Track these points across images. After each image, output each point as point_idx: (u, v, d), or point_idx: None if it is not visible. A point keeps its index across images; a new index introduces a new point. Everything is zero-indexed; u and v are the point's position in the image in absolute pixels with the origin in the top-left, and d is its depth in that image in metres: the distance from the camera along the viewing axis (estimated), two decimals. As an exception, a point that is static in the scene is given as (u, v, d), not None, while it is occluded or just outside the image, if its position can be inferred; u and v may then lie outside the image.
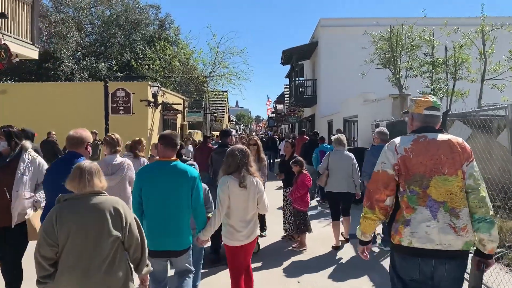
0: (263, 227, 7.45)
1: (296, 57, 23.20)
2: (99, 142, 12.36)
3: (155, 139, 17.10)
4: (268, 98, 49.17)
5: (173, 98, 19.42)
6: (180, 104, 18.98)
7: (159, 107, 17.35)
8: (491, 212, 2.56)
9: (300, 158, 6.72)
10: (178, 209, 3.57)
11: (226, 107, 44.39)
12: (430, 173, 2.54)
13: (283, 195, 7.12)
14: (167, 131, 3.86)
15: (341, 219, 6.82)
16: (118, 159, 4.93)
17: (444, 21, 11.07)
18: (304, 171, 6.58)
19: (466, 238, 2.51)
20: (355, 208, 7.53)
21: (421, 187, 2.53)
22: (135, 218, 2.81)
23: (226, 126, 45.44)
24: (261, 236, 7.28)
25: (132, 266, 2.84)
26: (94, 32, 29.92)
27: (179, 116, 20.48)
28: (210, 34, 65.99)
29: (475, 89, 10.82)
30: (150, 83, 16.00)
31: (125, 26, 28.89)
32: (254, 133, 42.12)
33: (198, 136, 24.79)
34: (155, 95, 15.76)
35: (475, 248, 2.60)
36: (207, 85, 28.50)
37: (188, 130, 22.45)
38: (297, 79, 24.60)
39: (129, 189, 4.86)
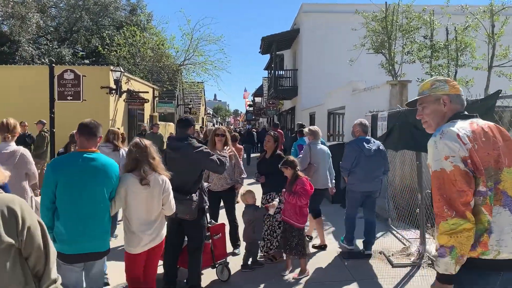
0: (236, 242, 5.93)
1: (277, 46, 21.66)
2: (46, 134, 10.61)
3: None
4: (246, 91, 47.44)
5: (140, 86, 17.60)
6: (148, 92, 17.15)
7: (124, 96, 15.57)
8: None
9: (292, 158, 5.21)
10: (95, 208, 3.22)
11: (202, 99, 42.58)
12: (497, 164, 2.08)
13: (262, 203, 5.58)
14: (87, 119, 3.43)
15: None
16: (11, 147, 4.46)
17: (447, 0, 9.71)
18: (300, 174, 5.07)
19: None
20: (336, 214, 6.06)
21: (493, 183, 2.06)
22: (39, 221, 2.24)
23: (202, 119, 43.74)
24: (233, 254, 5.75)
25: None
26: (59, 15, 27.61)
27: (148, 106, 18.68)
28: (183, 19, 62.93)
29: (480, 77, 9.51)
30: (112, 67, 14.18)
31: (93, 10, 26.73)
32: (232, 127, 40.72)
33: (171, 128, 23.06)
34: (117, 81, 13.98)
35: None
36: (181, 74, 26.69)
37: (156, 122, 20.68)
38: (277, 70, 23.11)
39: (25, 184, 4.46)
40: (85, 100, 12.05)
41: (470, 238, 2.02)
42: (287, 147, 13.67)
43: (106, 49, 23.73)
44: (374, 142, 5.78)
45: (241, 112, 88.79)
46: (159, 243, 3.62)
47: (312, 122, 17.42)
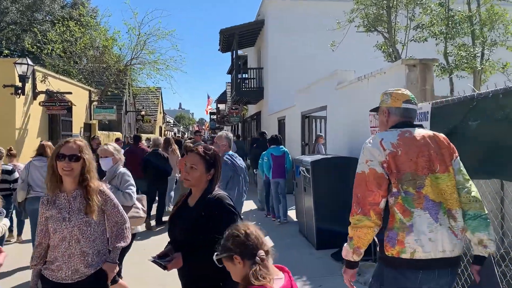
0: None
1: (239, 42, 18.49)
2: None
3: (33, 141, 11.73)
4: (209, 97, 44.01)
5: (68, 86, 14.01)
6: (71, 93, 13.48)
7: (41, 97, 11.99)
8: (486, 209, 2.35)
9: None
10: None
11: (160, 106, 38.82)
12: (422, 171, 2.27)
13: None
14: None
15: None
16: None
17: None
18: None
19: (463, 242, 2.33)
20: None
21: (414, 188, 2.25)
22: None
23: (160, 127, 39.99)
24: None
25: None
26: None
27: (82, 112, 15.06)
28: (129, 12, 58.23)
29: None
30: (18, 59, 10.63)
31: (24, 2, 22.85)
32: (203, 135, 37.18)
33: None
34: (23, 77, 10.46)
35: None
36: (130, 76, 23.12)
37: (95, 134, 17.10)
38: (239, 70, 19.99)
39: None
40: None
41: (368, 235, 2.26)
42: (252, 159, 11.35)
43: (36, 46, 19.95)
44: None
45: (205, 121, 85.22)
46: None
47: (281, 129, 14.35)
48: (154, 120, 33.21)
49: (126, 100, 24.39)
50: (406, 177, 2.24)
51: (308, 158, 6.91)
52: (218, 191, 2.45)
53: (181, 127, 69.78)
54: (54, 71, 19.59)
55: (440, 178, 2.27)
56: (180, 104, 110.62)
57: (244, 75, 21.74)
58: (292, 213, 8.81)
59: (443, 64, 6.95)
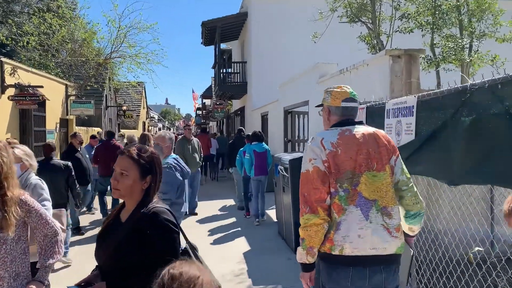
0: None
1: (221, 35, 17.97)
2: None
3: (1, 138, 11.08)
4: (194, 92, 43.34)
5: (41, 80, 13.34)
6: (42, 86, 12.82)
7: (8, 91, 11.34)
8: (424, 205, 2.45)
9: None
10: None
11: (143, 101, 38.05)
12: (360, 168, 2.28)
13: None
14: None
15: None
16: None
17: None
18: None
19: (400, 240, 2.30)
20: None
21: (351, 185, 2.26)
22: None
23: (144, 123, 39.23)
24: None
25: None
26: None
27: (58, 107, 14.40)
28: (108, 3, 57.17)
29: (506, 52, 6.34)
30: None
31: (-2, -8, 21.96)
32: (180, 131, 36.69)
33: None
34: (-12, 70, 9.81)
35: None
36: (110, 69, 22.40)
37: (74, 131, 16.52)
38: (221, 64, 19.47)
39: None
40: None
41: (319, 233, 2.23)
42: (228, 156, 10.91)
43: (10, 39, 19.14)
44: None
45: (191, 116, 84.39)
46: None
47: (264, 126, 13.92)
48: (137, 115, 32.50)
49: (106, 95, 23.67)
50: (346, 175, 2.26)
51: (287, 156, 6.49)
52: (155, 203, 1.98)
53: (166, 123, 68.81)
54: (30, 64, 18.84)
55: (377, 176, 2.29)
56: (166, 99, 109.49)
57: (228, 70, 21.24)
58: (272, 213, 8.42)
59: (430, 56, 6.57)
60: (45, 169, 5.80)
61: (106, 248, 1.91)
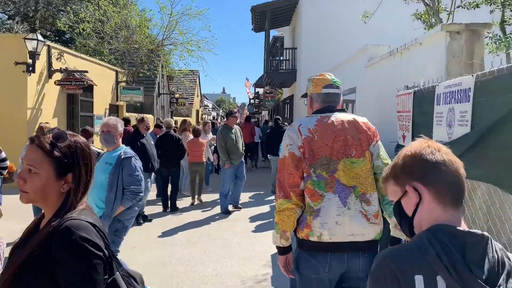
0: None
1: (271, 20, 17.27)
2: None
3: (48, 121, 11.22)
4: (247, 80, 42.96)
5: (86, 64, 13.42)
6: (87, 71, 12.82)
7: (55, 76, 11.46)
8: None
9: None
10: None
11: (197, 89, 38.25)
12: (337, 155, 2.30)
13: None
14: None
15: None
16: None
17: None
18: None
19: (379, 226, 2.29)
20: None
21: (328, 172, 2.27)
22: None
23: (197, 111, 39.52)
24: None
25: None
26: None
27: (108, 93, 14.49)
28: None
29: None
30: (28, 35, 10.07)
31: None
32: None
33: (150, 122, 18.75)
34: (33, 54, 9.89)
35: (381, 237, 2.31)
36: (163, 57, 22.45)
37: (125, 116, 16.67)
38: (271, 51, 18.81)
39: None
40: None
41: (291, 217, 2.26)
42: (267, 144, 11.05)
43: (67, 26, 19.63)
44: None
45: (245, 105, 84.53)
46: None
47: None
48: (190, 103, 32.64)
49: (159, 82, 23.82)
50: (321, 161, 2.28)
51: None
52: (77, 213, 1.41)
53: (221, 111, 69.25)
54: (84, 51, 19.26)
55: (356, 162, 2.29)
56: (223, 88, 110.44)
57: (280, 57, 20.56)
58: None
59: (499, 35, 5.55)
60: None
61: (5, 271, 1.39)
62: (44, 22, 24.29)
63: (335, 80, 2.52)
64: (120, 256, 3.52)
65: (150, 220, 7.24)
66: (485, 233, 1.14)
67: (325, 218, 2.21)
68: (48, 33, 23.55)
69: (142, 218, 7.13)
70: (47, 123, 7.51)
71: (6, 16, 23.86)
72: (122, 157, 3.72)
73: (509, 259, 1.15)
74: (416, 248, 1.12)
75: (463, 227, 1.16)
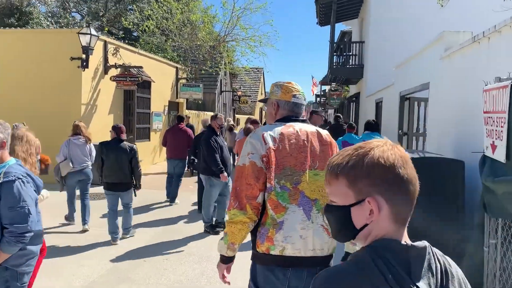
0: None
1: (338, 12, 16.15)
2: None
3: (103, 117, 11.15)
4: (313, 78, 41.77)
5: (145, 61, 13.27)
6: (141, 67, 12.56)
7: (114, 72, 11.36)
8: None
9: None
10: None
11: (261, 86, 37.75)
12: (301, 166, 2.24)
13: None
14: None
15: None
16: None
17: None
18: None
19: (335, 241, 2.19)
20: None
21: (292, 183, 2.20)
22: None
23: (261, 109, 39.04)
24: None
25: None
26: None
27: (167, 90, 14.30)
28: None
29: None
30: (82, 30, 9.97)
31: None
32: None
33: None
34: (87, 49, 9.77)
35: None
36: (226, 54, 22.06)
37: (180, 114, 16.46)
38: (338, 44, 17.65)
39: None
40: None
41: (242, 231, 2.17)
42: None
43: (132, 23, 19.90)
44: None
45: (310, 104, 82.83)
46: None
47: (378, 114, 11.97)
48: (253, 101, 32.20)
49: (221, 80, 23.55)
50: (285, 172, 2.20)
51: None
52: None
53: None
54: (148, 48, 19.42)
55: (319, 174, 2.25)
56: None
57: (349, 53, 19.37)
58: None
59: None
60: (113, 149, 5.90)
61: None
62: (114, 20, 25.01)
63: (302, 91, 2.46)
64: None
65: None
66: (425, 243, 1.03)
67: (288, 231, 2.13)
68: (118, 31, 24.22)
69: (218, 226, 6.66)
70: (80, 121, 7.24)
71: (80, 16, 24.87)
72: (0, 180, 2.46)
73: (449, 265, 1.08)
74: (360, 269, 1.00)
75: (406, 239, 1.05)
